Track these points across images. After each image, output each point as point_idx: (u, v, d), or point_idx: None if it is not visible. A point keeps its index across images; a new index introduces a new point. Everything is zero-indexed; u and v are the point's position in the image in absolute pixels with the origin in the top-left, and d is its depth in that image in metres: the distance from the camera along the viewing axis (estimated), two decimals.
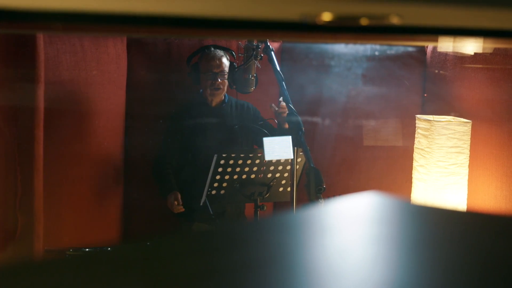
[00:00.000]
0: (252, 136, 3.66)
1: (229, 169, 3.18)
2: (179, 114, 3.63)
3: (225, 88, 3.56)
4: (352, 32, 1.00)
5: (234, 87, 3.38)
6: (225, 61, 3.53)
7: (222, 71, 3.50)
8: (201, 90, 3.62)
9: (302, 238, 0.74)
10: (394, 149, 4.14)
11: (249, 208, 3.68)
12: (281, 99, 3.18)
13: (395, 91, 4.12)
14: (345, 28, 0.97)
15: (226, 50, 3.60)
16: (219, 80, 3.51)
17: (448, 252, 0.71)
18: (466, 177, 3.56)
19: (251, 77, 3.26)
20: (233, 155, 3.15)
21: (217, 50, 3.55)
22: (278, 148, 2.98)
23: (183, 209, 3.43)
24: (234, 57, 3.56)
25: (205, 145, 3.51)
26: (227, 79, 3.51)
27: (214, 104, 3.61)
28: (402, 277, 0.63)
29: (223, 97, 3.63)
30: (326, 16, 0.88)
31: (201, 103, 3.61)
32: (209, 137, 3.55)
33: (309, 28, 0.96)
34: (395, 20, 0.90)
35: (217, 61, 3.51)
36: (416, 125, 3.68)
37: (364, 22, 0.90)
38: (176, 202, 3.41)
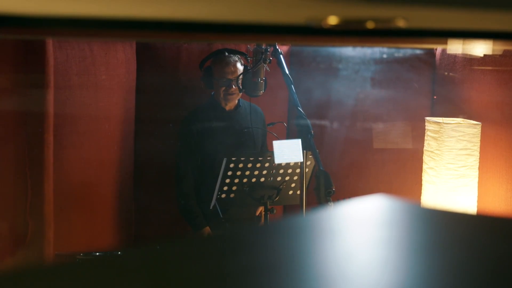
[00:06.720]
0: (263, 139, 3.65)
1: (238, 173, 3.17)
2: (192, 117, 3.57)
3: (240, 93, 3.53)
4: (358, 36, 1.00)
5: (244, 90, 3.36)
6: (239, 67, 3.47)
7: (237, 77, 3.45)
8: (212, 93, 3.58)
9: (311, 241, 0.74)
10: (404, 152, 4.13)
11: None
12: None
13: (404, 94, 4.12)
14: (351, 32, 0.97)
15: (240, 54, 3.54)
16: (234, 86, 3.47)
17: (457, 255, 0.71)
18: (476, 180, 3.55)
19: (260, 80, 3.25)
20: (242, 158, 3.15)
21: (231, 55, 3.49)
22: (287, 151, 2.97)
23: None
24: (248, 61, 3.50)
25: (220, 148, 3.47)
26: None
27: (228, 108, 3.57)
28: (411, 280, 0.63)
29: (237, 101, 3.61)
30: (332, 20, 0.88)
31: (214, 107, 3.56)
32: (224, 140, 3.53)
33: (315, 32, 0.96)
34: (401, 23, 0.90)
35: (232, 68, 3.45)
36: (426, 127, 3.67)
37: (370, 25, 0.90)
38: None
